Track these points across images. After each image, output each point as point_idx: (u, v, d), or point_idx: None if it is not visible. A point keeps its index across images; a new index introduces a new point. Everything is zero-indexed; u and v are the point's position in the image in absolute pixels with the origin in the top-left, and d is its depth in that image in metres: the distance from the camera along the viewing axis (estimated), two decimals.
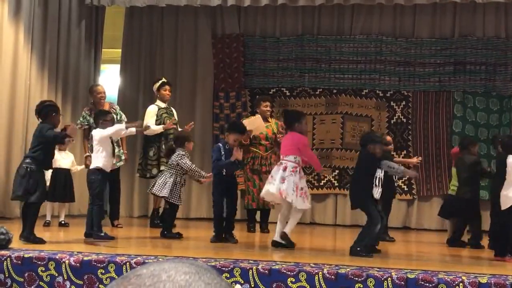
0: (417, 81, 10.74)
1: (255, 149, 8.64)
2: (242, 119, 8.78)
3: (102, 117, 7.41)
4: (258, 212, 8.88)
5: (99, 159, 7.15)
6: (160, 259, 4.98)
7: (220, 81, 11.16)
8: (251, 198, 8.62)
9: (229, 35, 11.19)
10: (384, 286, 4.80)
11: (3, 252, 5.42)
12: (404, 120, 10.74)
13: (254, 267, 5.04)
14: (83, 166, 8.76)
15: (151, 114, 8.95)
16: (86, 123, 8.74)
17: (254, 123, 8.57)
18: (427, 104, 10.69)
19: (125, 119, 8.76)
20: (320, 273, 4.93)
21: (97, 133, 7.26)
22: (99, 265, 5.24)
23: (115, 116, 8.67)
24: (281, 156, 7.21)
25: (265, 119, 8.76)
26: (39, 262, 5.32)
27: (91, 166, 7.28)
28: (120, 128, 7.34)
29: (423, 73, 10.72)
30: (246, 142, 8.53)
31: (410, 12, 10.73)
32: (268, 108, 8.82)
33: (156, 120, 8.93)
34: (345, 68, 10.91)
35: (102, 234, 6.97)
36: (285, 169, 6.99)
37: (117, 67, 11.50)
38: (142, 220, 10.38)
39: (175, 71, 11.11)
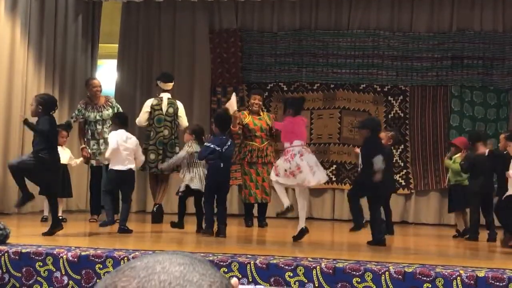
0: (414, 76, 10.74)
1: (251, 142, 8.62)
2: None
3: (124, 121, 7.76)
4: (256, 207, 8.88)
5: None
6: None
7: (218, 76, 11.15)
8: (248, 192, 8.61)
9: (227, 30, 11.17)
10: (382, 280, 4.81)
11: (0, 247, 5.42)
12: (402, 115, 10.74)
13: (252, 262, 5.04)
14: (81, 159, 8.76)
15: None
16: (81, 116, 8.73)
17: (232, 103, 8.46)
18: (424, 99, 10.69)
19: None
20: (318, 267, 4.93)
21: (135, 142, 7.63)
22: (97, 260, 5.24)
23: (111, 110, 8.68)
24: (297, 141, 6.96)
25: (256, 113, 8.73)
26: (37, 257, 5.32)
27: (130, 166, 7.49)
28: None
29: (420, 68, 10.71)
30: (235, 129, 8.47)
31: (408, 6, 10.73)
32: (257, 101, 8.75)
33: None
34: (342, 63, 10.90)
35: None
36: (302, 155, 6.92)
37: (114, 62, 11.48)
38: (140, 215, 10.39)
39: (173, 66, 11.09)
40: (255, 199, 8.62)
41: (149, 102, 8.90)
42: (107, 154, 7.56)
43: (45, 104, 6.78)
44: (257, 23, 11.19)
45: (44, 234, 6.63)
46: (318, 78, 10.96)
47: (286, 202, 7.01)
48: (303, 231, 6.90)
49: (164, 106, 8.81)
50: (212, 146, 7.27)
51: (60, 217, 8.60)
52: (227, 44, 11.14)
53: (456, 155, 8.52)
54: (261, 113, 8.85)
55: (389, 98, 10.80)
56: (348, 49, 10.87)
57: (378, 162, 6.82)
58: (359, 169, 7.10)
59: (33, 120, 7.00)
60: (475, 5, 10.57)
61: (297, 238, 6.88)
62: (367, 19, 10.87)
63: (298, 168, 6.82)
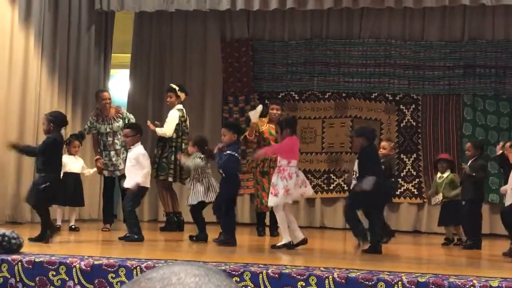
0: (426, 85, 10.72)
1: None
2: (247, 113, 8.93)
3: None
4: (268, 216, 8.86)
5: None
6: (170, 263, 4.98)
7: (229, 85, 11.18)
8: (259, 201, 8.60)
9: (238, 39, 11.20)
10: None
11: (14, 256, 5.44)
12: (414, 124, 10.71)
13: (264, 271, 5.04)
14: (95, 169, 8.80)
15: None
16: (94, 128, 8.79)
17: (256, 114, 8.48)
18: (436, 108, 10.67)
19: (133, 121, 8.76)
20: (331, 277, 4.92)
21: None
22: (109, 269, 5.25)
23: (121, 121, 8.71)
24: (294, 162, 7.18)
25: (274, 122, 8.72)
26: (50, 267, 5.34)
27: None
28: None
29: (432, 76, 10.69)
30: (251, 137, 8.48)
31: (419, 15, 10.71)
32: (275, 111, 8.69)
33: None
34: (354, 72, 10.90)
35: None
36: (298, 175, 7.20)
37: (126, 72, 11.54)
38: (152, 224, 10.40)
39: (184, 75, 11.13)
40: (268, 208, 8.60)
41: (176, 114, 8.80)
42: (144, 178, 7.44)
43: (55, 121, 6.99)
44: (268, 32, 11.22)
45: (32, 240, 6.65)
46: (329, 87, 10.96)
47: (287, 238, 7.10)
48: (304, 241, 7.11)
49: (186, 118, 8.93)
50: (236, 155, 7.35)
51: (73, 226, 8.65)
52: (238, 53, 11.17)
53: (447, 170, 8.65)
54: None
55: (401, 107, 10.78)
56: (359, 58, 10.87)
57: (368, 183, 6.91)
58: (354, 177, 7.23)
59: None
60: (487, 13, 10.53)
61: (298, 245, 7.08)
62: (378, 28, 10.87)
63: (296, 185, 7.07)
